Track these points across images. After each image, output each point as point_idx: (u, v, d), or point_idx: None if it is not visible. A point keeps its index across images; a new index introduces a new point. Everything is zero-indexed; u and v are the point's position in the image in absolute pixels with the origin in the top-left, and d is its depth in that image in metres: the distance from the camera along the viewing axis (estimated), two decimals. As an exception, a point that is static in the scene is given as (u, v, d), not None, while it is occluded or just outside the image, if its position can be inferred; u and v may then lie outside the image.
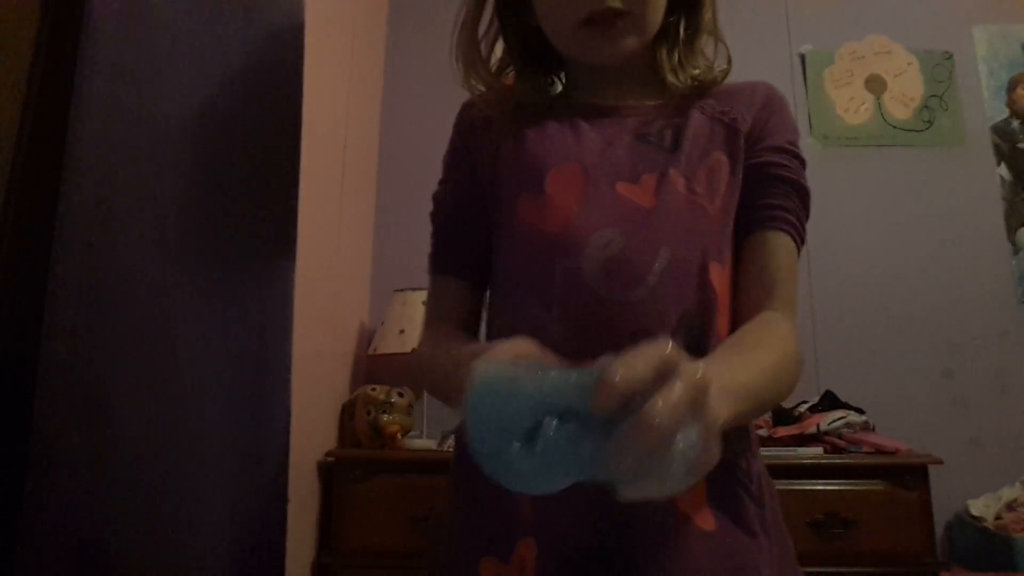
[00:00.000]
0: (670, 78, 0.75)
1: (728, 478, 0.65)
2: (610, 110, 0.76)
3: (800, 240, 0.72)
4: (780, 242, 0.70)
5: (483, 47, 0.79)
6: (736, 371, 0.55)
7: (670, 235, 0.66)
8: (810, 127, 2.32)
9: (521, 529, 0.63)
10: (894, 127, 2.33)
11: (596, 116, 0.75)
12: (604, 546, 0.61)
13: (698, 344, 0.64)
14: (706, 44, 0.78)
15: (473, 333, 0.74)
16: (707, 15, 0.77)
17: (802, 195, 0.73)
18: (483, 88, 0.79)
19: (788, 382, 0.64)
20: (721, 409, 0.46)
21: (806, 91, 2.36)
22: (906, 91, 2.35)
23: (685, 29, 0.77)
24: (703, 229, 0.68)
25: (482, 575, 0.64)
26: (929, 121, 2.32)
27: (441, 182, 0.82)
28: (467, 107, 0.82)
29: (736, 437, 0.68)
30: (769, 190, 0.71)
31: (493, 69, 0.80)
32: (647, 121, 0.74)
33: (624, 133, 0.73)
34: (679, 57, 0.76)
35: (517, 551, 0.63)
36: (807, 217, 0.74)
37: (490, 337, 0.73)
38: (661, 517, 0.62)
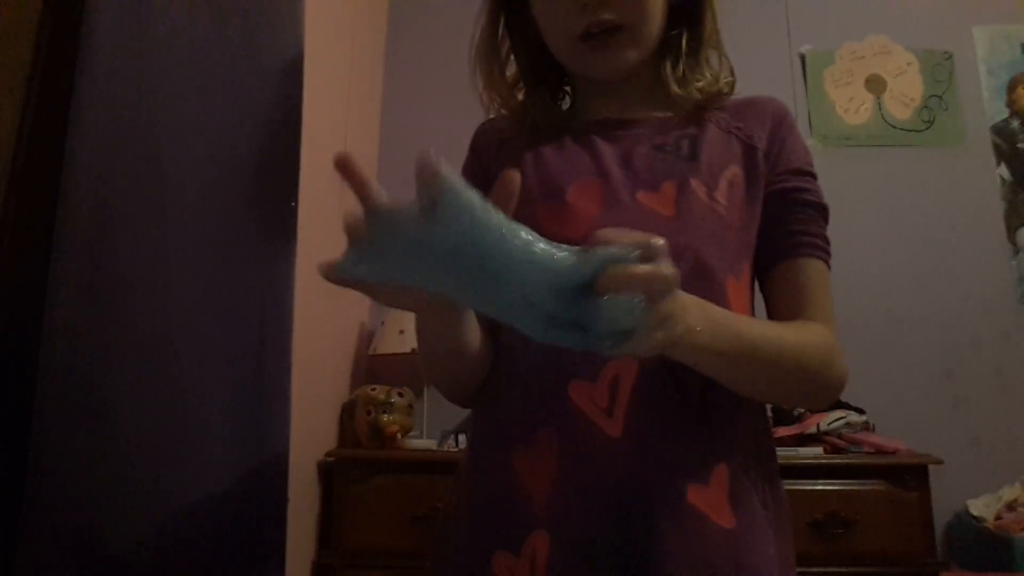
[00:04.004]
0: (675, 89, 0.76)
1: (745, 478, 0.66)
2: (623, 123, 0.77)
3: (828, 257, 0.74)
4: (813, 267, 0.72)
5: (500, 62, 0.81)
6: (733, 317, 0.61)
7: (692, 242, 0.67)
8: (810, 127, 2.31)
9: (533, 522, 0.64)
10: (894, 127, 2.33)
11: (610, 130, 0.76)
12: (618, 537, 0.61)
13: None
14: (710, 56, 0.79)
15: (490, 332, 0.74)
16: (709, 28, 0.78)
17: (824, 214, 0.75)
18: (499, 101, 0.81)
19: (800, 364, 0.66)
20: (692, 318, 0.53)
21: (806, 91, 2.35)
22: (906, 91, 2.35)
23: (688, 42, 0.78)
24: (722, 239, 0.69)
25: (495, 569, 0.65)
26: (929, 121, 2.32)
27: None
28: (483, 128, 0.84)
29: (753, 443, 0.69)
30: (796, 216, 0.73)
31: (509, 81, 0.82)
32: (662, 132, 0.75)
33: (640, 144, 0.74)
34: (683, 69, 0.78)
35: (529, 544, 0.63)
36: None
37: (500, 338, 0.73)
38: (677, 512, 0.62)
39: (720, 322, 0.58)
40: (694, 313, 0.54)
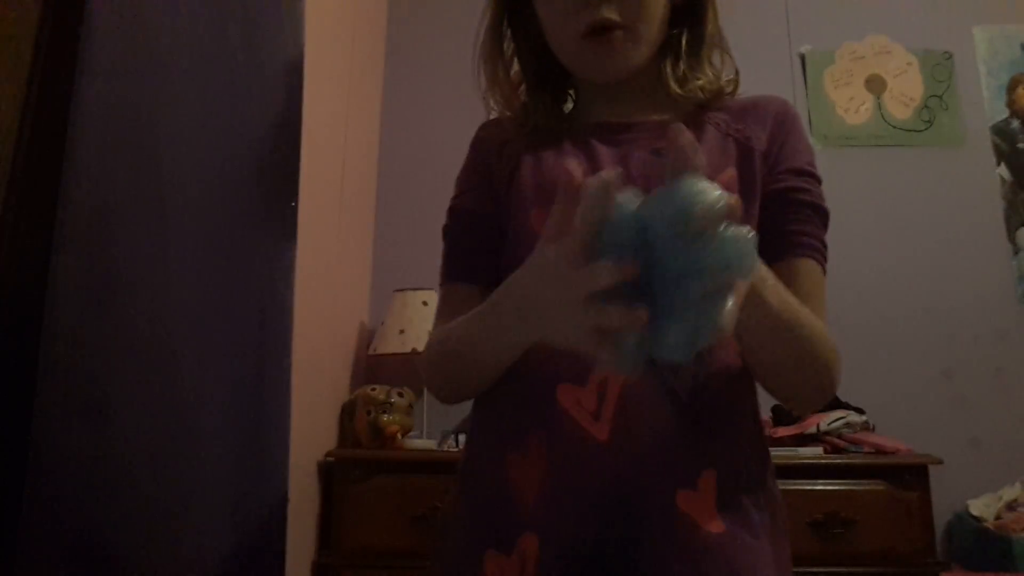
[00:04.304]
0: (675, 89, 0.76)
1: (736, 482, 0.66)
2: (622, 127, 0.76)
3: (824, 261, 0.73)
4: (808, 268, 0.71)
5: (504, 62, 0.81)
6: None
7: None
8: (810, 127, 2.31)
9: (524, 524, 0.64)
10: (894, 127, 2.33)
11: (609, 134, 0.76)
12: (607, 541, 0.61)
13: (700, 364, 0.64)
14: (711, 56, 0.78)
15: None
16: (710, 27, 0.78)
17: (823, 217, 0.74)
18: (502, 102, 0.81)
19: (821, 351, 0.66)
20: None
21: (806, 91, 2.35)
22: (906, 91, 2.35)
23: (688, 42, 0.78)
24: None
25: (486, 567, 0.65)
26: (929, 121, 2.32)
27: (456, 195, 0.82)
28: (484, 129, 0.84)
29: (746, 446, 0.69)
30: (794, 216, 0.72)
31: (513, 81, 0.81)
32: (661, 135, 0.74)
33: (637, 148, 0.74)
34: (684, 69, 0.77)
35: (519, 545, 0.63)
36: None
37: None
38: (664, 517, 0.62)
39: (778, 288, 0.59)
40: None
